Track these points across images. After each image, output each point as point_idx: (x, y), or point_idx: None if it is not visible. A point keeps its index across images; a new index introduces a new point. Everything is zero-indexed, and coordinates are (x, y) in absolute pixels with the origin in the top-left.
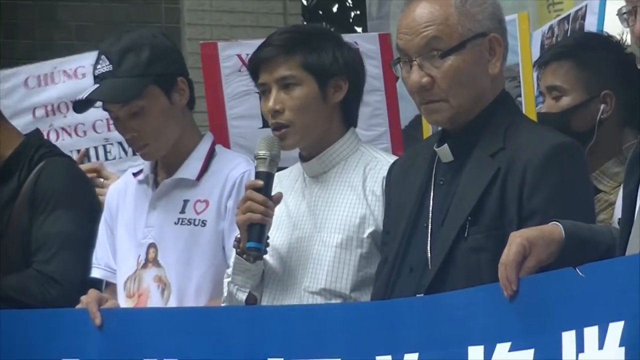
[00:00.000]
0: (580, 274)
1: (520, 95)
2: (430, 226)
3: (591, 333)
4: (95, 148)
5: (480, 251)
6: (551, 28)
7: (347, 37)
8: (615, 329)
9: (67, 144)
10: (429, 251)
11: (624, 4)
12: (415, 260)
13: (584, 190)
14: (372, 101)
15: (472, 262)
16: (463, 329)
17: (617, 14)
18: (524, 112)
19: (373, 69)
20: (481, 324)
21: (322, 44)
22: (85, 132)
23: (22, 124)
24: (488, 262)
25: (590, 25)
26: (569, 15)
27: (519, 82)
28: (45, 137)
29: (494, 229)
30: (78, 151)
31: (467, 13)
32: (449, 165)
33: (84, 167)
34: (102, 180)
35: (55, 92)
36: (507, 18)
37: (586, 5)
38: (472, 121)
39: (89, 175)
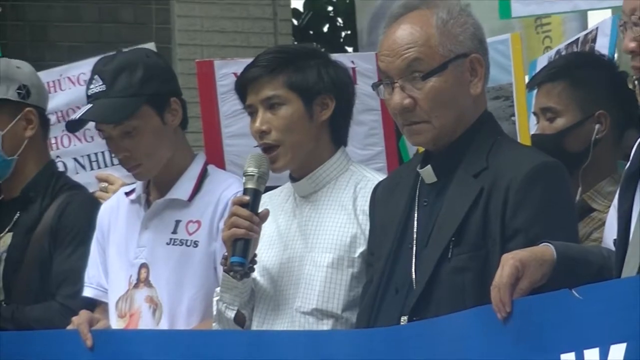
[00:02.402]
0: (578, 295)
1: (513, 115)
2: (414, 247)
3: (592, 355)
4: (103, 153)
5: (464, 271)
6: (559, 52)
7: (345, 56)
8: (617, 350)
9: (78, 149)
10: (413, 272)
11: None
12: (400, 281)
13: (566, 209)
14: (368, 120)
15: (456, 282)
16: (459, 351)
17: (619, 25)
18: (517, 130)
19: (369, 88)
20: (477, 346)
21: (307, 63)
22: (92, 138)
23: None
24: (472, 282)
25: (602, 47)
26: (577, 38)
27: (512, 101)
28: (60, 142)
29: (477, 249)
30: (89, 156)
31: (448, 34)
32: (432, 186)
33: (96, 174)
34: (106, 184)
35: (63, 99)
36: (500, 38)
37: (597, 28)
38: (454, 142)
39: (101, 183)
